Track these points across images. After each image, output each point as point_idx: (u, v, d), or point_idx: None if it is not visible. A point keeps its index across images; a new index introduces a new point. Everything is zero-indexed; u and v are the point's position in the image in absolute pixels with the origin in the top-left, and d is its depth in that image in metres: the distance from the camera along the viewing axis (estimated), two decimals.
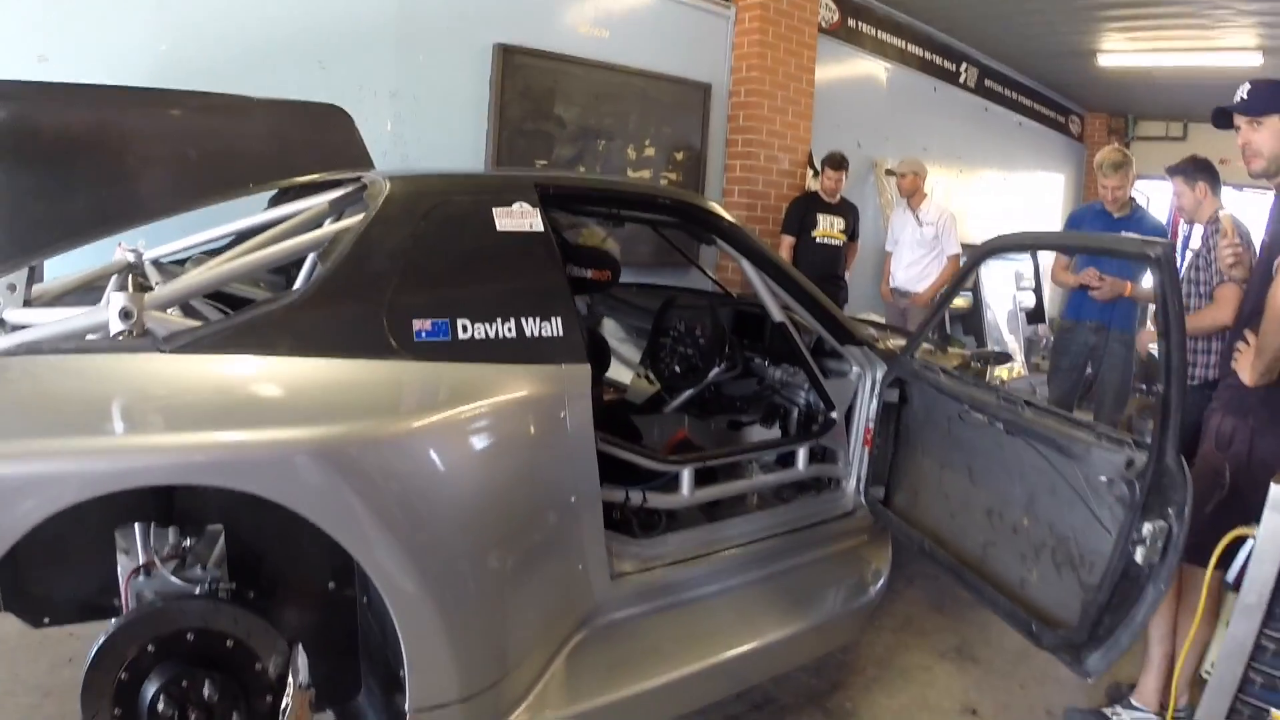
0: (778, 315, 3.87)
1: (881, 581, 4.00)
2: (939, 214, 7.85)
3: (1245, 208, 4.94)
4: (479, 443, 2.65)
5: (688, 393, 4.44)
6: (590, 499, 2.97)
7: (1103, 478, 2.79)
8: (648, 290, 5.55)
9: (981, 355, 4.70)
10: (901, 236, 8.08)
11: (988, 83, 11.59)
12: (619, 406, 4.71)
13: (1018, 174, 12.56)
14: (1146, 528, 2.61)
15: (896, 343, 4.35)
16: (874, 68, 9.74)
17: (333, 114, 3.98)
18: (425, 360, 2.61)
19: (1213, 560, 2.79)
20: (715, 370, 4.19)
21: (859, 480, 4.11)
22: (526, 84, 6.77)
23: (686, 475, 3.49)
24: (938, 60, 10.62)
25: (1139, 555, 2.63)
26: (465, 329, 2.69)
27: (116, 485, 2.06)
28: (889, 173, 8.69)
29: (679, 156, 7.85)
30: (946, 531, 3.57)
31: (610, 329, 5.64)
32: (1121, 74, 11.38)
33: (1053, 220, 13.52)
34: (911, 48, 10.17)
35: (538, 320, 2.82)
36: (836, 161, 7.65)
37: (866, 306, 8.61)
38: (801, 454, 3.95)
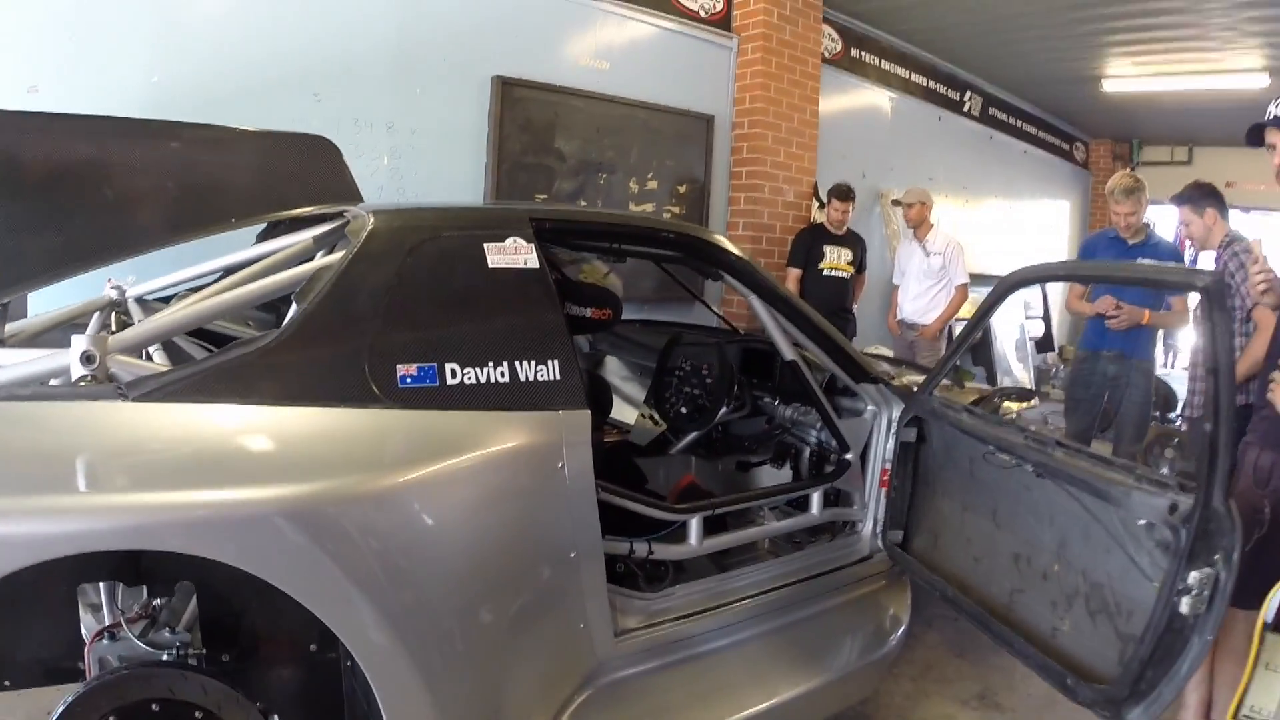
0: (788, 353, 3.64)
1: (901, 629, 3.77)
2: (946, 243, 7.64)
3: (1253, 229, 4.79)
4: (469, 497, 2.45)
5: (694, 434, 4.23)
6: (591, 553, 2.76)
7: (1142, 522, 2.58)
8: (652, 327, 5.35)
9: (1004, 392, 4.43)
10: (908, 268, 7.87)
11: (992, 111, 11.45)
12: (622, 449, 4.49)
13: (1024, 202, 12.38)
14: (1193, 576, 2.39)
15: (912, 379, 4.13)
16: (878, 98, 9.58)
17: (320, 146, 3.81)
18: (410, 408, 2.41)
19: (1263, 609, 2.59)
20: (723, 410, 3.97)
21: (876, 523, 3.90)
22: (527, 117, 6.63)
23: (694, 524, 3.27)
24: (941, 89, 10.48)
25: (1184, 605, 2.41)
26: (454, 374, 2.50)
27: (67, 549, 1.87)
28: (895, 203, 8.50)
29: (682, 189, 7.70)
30: (970, 577, 3.35)
31: (613, 367, 5.43)
32: (1126, 99, 11.23)
33: (1060, 248, 13.34)
34: (915, 77, 10.03)
35: (533, 363, 2.62)
36: (843, 193, 7.47)
37: (874, 339, 8.44)
38: (815, 498, 3.72)
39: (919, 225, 7.75)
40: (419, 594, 2.31)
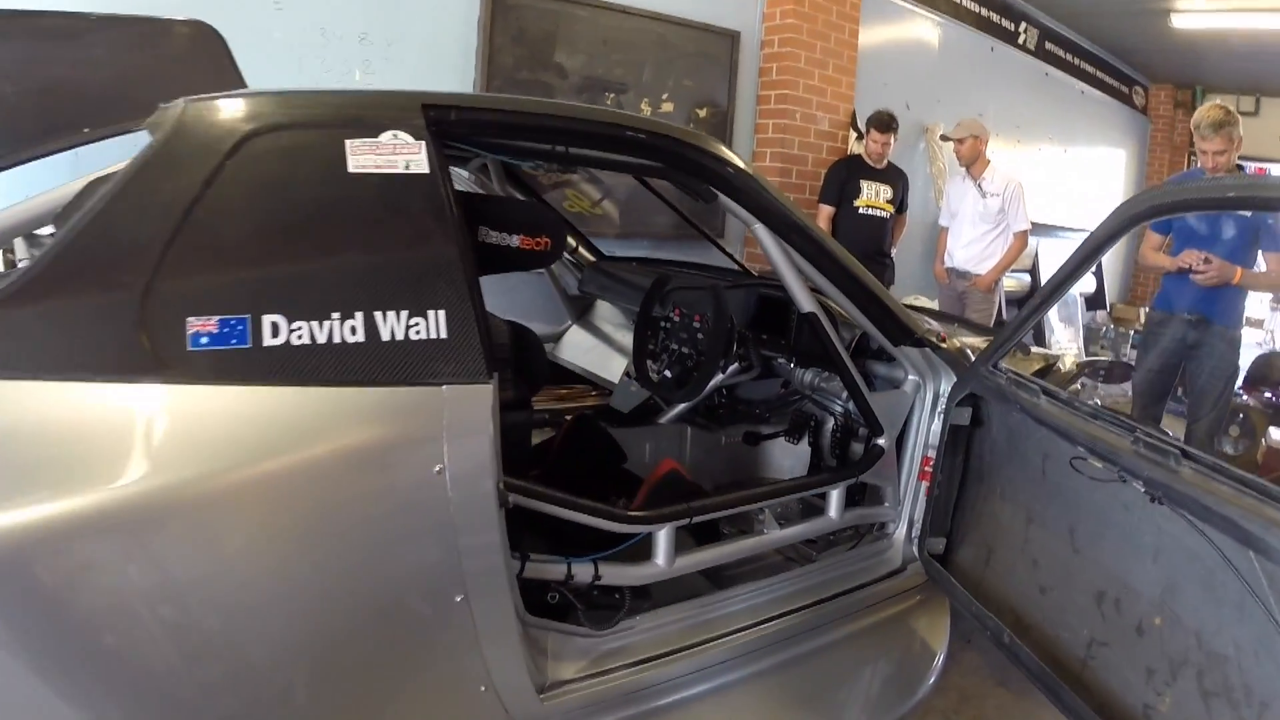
0: (806, 304, 2.72)
1: (937, 662, 2.94)
2: (1005, 183, 6.63)
3: None
4: (289, 523, 1.65)
5: (683, 404, 3.34)
6: (490, 587, 1.92)
7: None
8: (651, 266, 4.41)
9: (1091, 366, 3.33)
10: (960, 209, 6.87)
11: (1049, 45, 10.36)
12: (601, 415, 3.64)
13: (1079, 147, 11.26)
14: None
15: (967, 341, 3.21)
16: (925, 22, 8.55)
17: (198, 34, 2.97)
18: (205, 382, 1.60)
19: None
20: (718, 377, 3.07)
21: (911, 527, 3.10)
22: (521, 27, 5.75)
23: (663, 537, 2.41)
24: (995, 18, 9.42)
25: None
26: (277, 331, 1.66)
27: None
28: (944, 138, 7.44)
29: (702, 114, 6.72)
30: (1033, 613, 2.53)
31: (604, 314, 4.52)
32: (1194, 38, 10.15)
33: (1114, 203, 12.24)
34: (967, 3, 9.00)
35: (405, 315, 1.76)
36: (884, 122, 6.54)
37: (915, 289, 7.58)
38: (835, 496, 2.86)
39: (973, 162, 6.75)
40: (204, 672, 1.56)
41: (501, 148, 2.23)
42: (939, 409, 3.00)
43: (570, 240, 4.34)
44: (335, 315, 1.69)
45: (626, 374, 3.67)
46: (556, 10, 5.84)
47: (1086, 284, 10.53)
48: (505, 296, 5.65)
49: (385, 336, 1.73)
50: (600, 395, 3.94)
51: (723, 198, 2.47)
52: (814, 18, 6.87)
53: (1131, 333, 10.70)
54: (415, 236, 1.85)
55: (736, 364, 3.16)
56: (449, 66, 5.54)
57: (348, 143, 1.82)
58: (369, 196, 1.83)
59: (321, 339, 1.67)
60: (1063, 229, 9.80)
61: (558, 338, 4.56)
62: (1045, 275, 8.87)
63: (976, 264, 6.73)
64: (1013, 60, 9.80)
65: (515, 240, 2.23)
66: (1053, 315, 9.01)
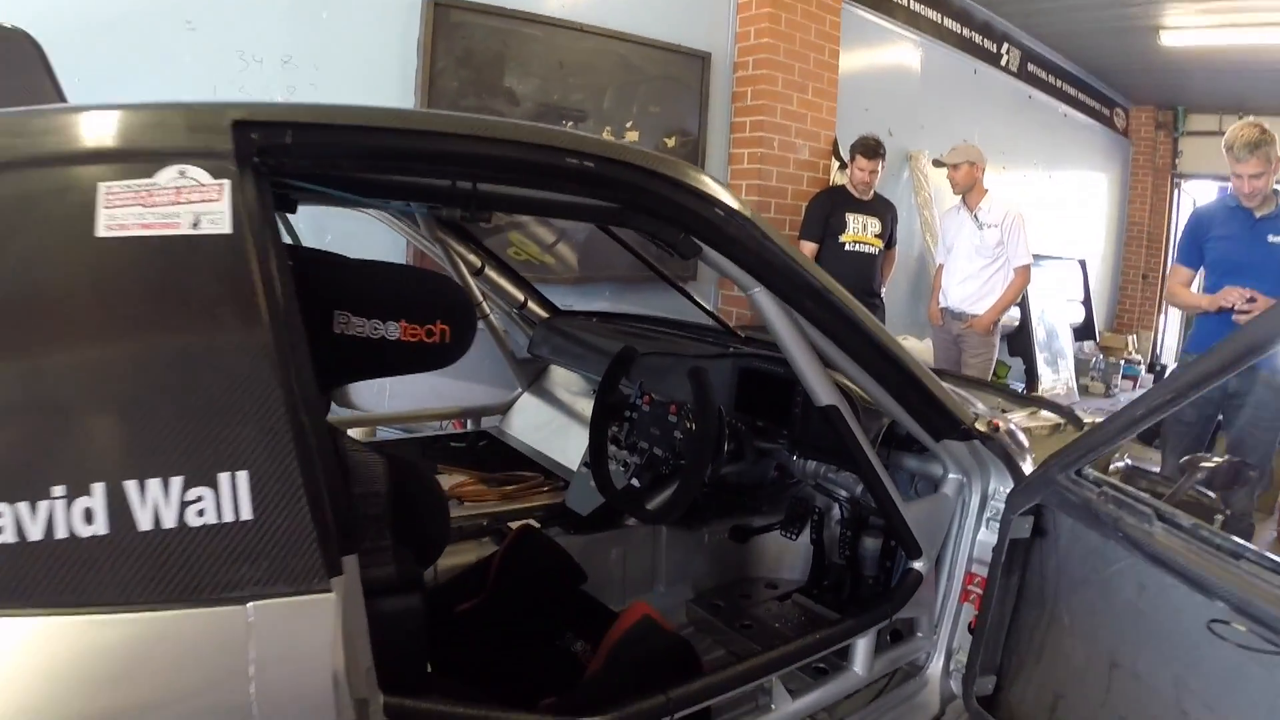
0: (824, 395, 1.99)
1: None
2: (1003, 213, 5.95)
3: None
4: None
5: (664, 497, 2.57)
6: None
7: None
8: (614, 323, 3.71)
9: (1191, 465, 2.48)
10: (956, 243, 6.18)
11: (1031, 67, 9.86)
12: (556, 517, 2.95)
13: (1063, 172, 10.70)
14: None
15: (1011, 415, 2.50)
16: (906, 43, 7.96)
17: (7, 40, 2.22)
18: None
19: None
20: (701, 485, 2.35)
21: (949, 658, 2.39)
22: (467, 48, 5.08)
23: None
24: (977, 38, 8.88)
25: None
26: None
27: None
28: (937, 163, 6.73)
29: (670, 143, 6.07)
30: None
31: (561, 380, 3.77)
32: (1178, 57, 9.71)
33: (1097, 229, 11.70)
34: (948, 22, 8.42)
35: (178, 487, 1.07)
36: (871, 149, 5.90)
37: (903, 328, 7.11)
38: (863, 646, 2.15)
39: (969, 190, 6.06)
40: None
41: (375, 188, 1.48)
42: (986, 513, 2.32)
43: (517, 294, 3.60)
44: (58, 491, 0.99)
45: (585, 464, 2.92)
46: (506, 29, 5.18)
47: (1076, 313, 9.94)
48: None
49: (144, 524, 1.02)
50: (554, 489, 3.18)
51: (709, 251, 1.74)
52: (791, 37, 6.29)
53: (1122, 362, 10.15)
54: (202, 347, 1.13)
55: (725, 463, 2.46)
56: (385, 92, 4.89)
57: (101, 187, 1.11)
58: (128, 280, 1.12)
59: (34, 532, 0.98)
60: (1049, 257, 9.22)
61: (506, 408, 3.82)
62: (1036, 309, 8.38)
63: (974, 303, 6.06)
64: (996, 83, 9.30)
65: (393, 330, 1.49)
66: (1040, 355, 8.38)
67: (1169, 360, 11.69)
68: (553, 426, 3.58)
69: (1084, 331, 10.20)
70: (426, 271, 1.58)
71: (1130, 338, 11.23)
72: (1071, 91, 10.79)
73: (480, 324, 3.74)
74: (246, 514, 1.07)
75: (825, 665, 2.21)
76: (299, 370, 1.15)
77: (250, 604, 1.05)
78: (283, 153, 1.26)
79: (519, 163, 1.47)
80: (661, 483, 2.48)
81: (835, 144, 6.64)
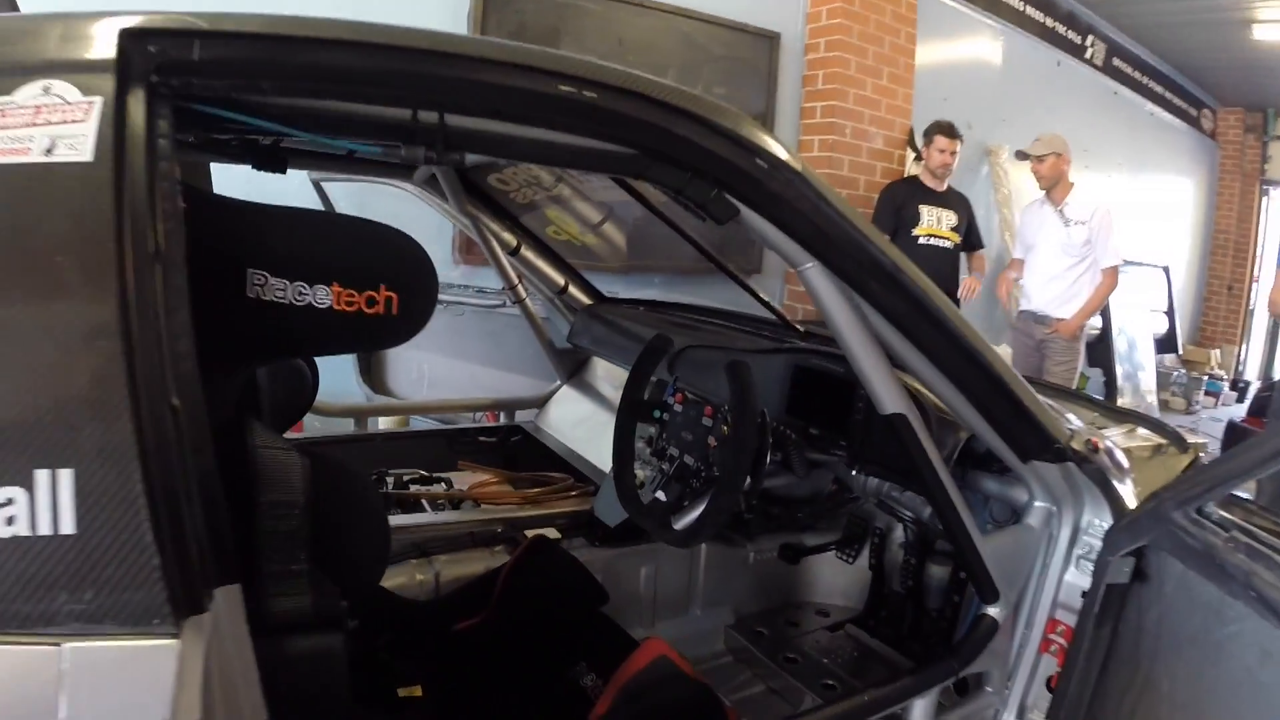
0: (890, 402, 1.63)
1: None
2: (1092, 210, 5.46)
3: None
4: None
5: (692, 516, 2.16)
6: None
7: None
8: (664, 312, 3.35)
9: None
10: (1038, 241, 5.70)
11: (1116, 62, 9.40)
12: (581, 527, 2.57)
13: (1147, 174, 10.19)
14: None
15: (1109, 433, 2.11)
16: (987, 30, 7.56)
17: None
18: None
19: None
20: (729, 501, 2.01)
21: (1023, 715, 2.00)
22: (521, 22, 4.85)
23: None
24: (1061, 29, 8.46)
25: None
26: None
27: None
28: (1020, 155, 6.24)
29: None
30: None
31: (603, 373, 3.43)
32: (1274, 52, 9.27)
33: (1182, 236, 11.13)
34: (1031, 10, 8.01)
35: None
36: (949, 127, 5.50)
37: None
38: (923, 707, 1.78)
39: (1055, 184, 5.58)
40: None
41: (315, 120, 1.14)
42: (1077, 549, 1.92)
43: (557, 277, 3.25)
44: None
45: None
46: (561, 2, 4.94)
47: (1159, 324, 9.42)
48: (484, 342, 4.72)
49: None
50: (584, 495, 2.82)
51: (748, 214, 1.39)
52: (865, 18, 5.96)
53: (1205, 378, 9.66)
54: (37, 302, 0.85)
55: (772, 471, 2.11)
56: None
57: None
58: None
59: None
60: (1132, 263, 8.71)
61: (542, 402, 3.48)
62: (1118, 318, 7.91)
63: (1059, 306, 5.58)
64: (1080, 76, 8.89)
65: (323, 295, 1.14)
66: (1119, 368, 7.90)
67: (1253, 378, 11.14)
68: (590, 424, 3.24)
69: (1166, 344, 9.68)
70: (372, 224, 1.21)
71: (1214, 352, 10.72)
72: (1158, 89, 10.31)
73: (517, 310, 3.42)
74: (68, 527, 0.78)
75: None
76: (173, 341, 0.86)
77: (66, 645, 0.78)
78: (190, 70, 0.96)
79: (496, 89, 1.13)
80: (691, 498, 2.12)
81: (911, 133, 6.27)
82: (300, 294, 1.10)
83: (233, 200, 1.14)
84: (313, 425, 3.32)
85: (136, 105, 0.90)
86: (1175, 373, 9.76)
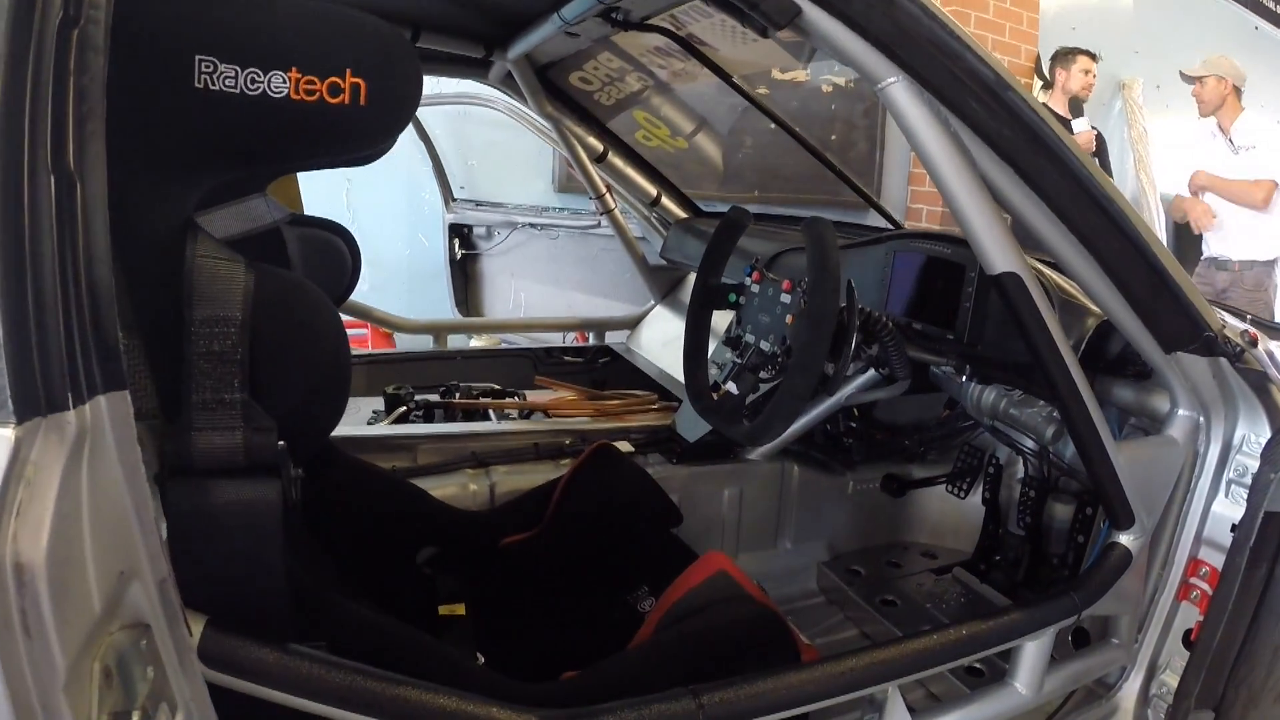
0: (1000, 259, 1.30)
1: None
2: (1264, 134, 4.91)
3: None
4: None
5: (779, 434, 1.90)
6: None
7: None
8: (765, 224, 2.94)
9: None
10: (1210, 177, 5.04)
11: None
12: (661, 444, 2.31)
13: None
14: None
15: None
16: None
17: None
18: None
19: None
20: (827, 399, 1.71)
21: (1151, 677, 1.68)
22: None
23: None
24: None
25: None
26: None
27: None
28: (1185, 77, 5.56)
29: None
30: None
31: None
32: None
33: None
34: None
35: None
36: (1088, 52, 5.10)
37: None
38: (1033, 651, 1.46)
39: (1219, 108, 5.02)
40: None
41: None
42: (1228, 473, 1.57)
43: (649, 187, 2.97)
44: None
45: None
46: None
47: None
48: (580, 267, 4.48)
49: None
50: (667, 411, 2.56)
51: (812, 12, 1.10)
52: None
53: None
54: None
55: (864, 368, 1.79)
56: None
57: None
58: None
59: None
60: None
61: (635, 323, 3.22)
62: None
63: (1242, 248, 4.83)
64: (1217, 9, 8.03)
65: (279, 83, 0.90)
66: None
67: None
68: (679, 344, 2.98)
69: None
70: (337, 6, 0.95)
71: None
72: None
73: (612, 232, 3.16)
74: None
75: (979, 667, 1.55)
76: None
77: None
78: None
79: None
80: (765, 387, 1.81)
81: (1038, 60, 5.78)
82: (253, 81, 0.88)
83: None
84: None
85: None
86: None
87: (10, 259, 0.59)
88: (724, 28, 2.19)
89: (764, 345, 1.78)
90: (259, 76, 0.87)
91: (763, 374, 1.77)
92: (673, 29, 2.18)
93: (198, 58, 0.85)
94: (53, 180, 0.64)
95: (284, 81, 0.88)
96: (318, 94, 0.89)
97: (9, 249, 0.59)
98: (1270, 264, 4.79)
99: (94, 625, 0.63)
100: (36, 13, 0.64)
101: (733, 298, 1.90)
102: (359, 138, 0.97)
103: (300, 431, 0.97)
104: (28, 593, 0.56)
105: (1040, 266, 1.59)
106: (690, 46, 2.29)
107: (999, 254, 1.28)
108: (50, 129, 0.64)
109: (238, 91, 0.87)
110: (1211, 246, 4.93)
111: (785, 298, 1.73)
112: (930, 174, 1.24)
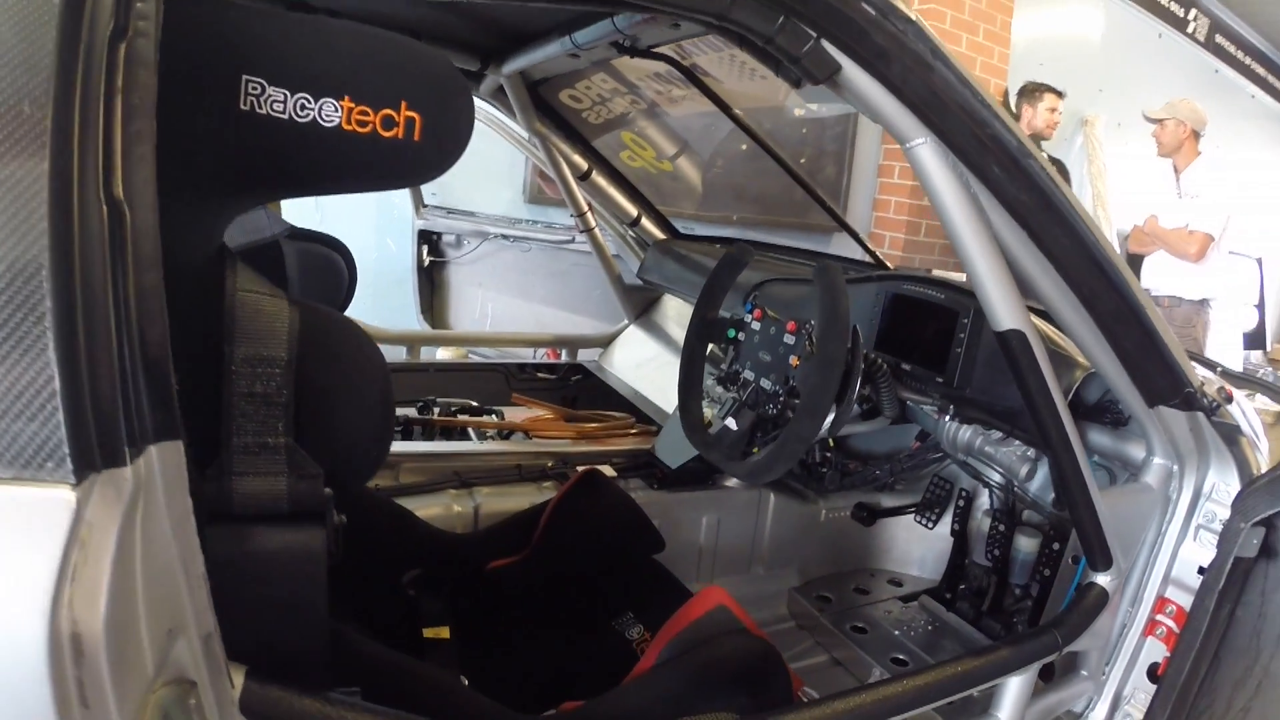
0: (1008, 316, 1.32)
1: None
2: (1213, 185, 4.95)
3: None
4: None
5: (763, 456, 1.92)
6: None
7: None
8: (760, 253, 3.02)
9: None
10: (1154, 208, 5.14)
11: (1219, 39, 8.76)
12: (640, 469, 2.32)
13: (1246, 160, 9.44)
14: None
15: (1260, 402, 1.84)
16: None
17: None
18: None
19: None
20: (824, 427, 1.71)
21: (1115, 708, 1.72)
22: None
23: None
24: (1164, 1, 7.86)
25: None
26: None
27: None
28: (1147, 118, 5.62)
29: None
30: None
31: (673, 313, 3.18)
32: None
33: (1277, 227, 10.51)
34: None
35: None
36: (1056, 90, 5.15)
37: None
38: (1016, 686, 1.51)
39: (1175, 151, 5.04)
40: None
41: None
42: (1196, 518, 1.63)
43: (629, 207, 2.98)
44: None
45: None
46: None
47: (1249, 319, 8.78)
48: (551, 281, 4.44)
49: None
50: (645, 435, 2.56)
51: (850, 71, 1.12)
52: None
53: None
54: None
55: (855, 408, 1.80)
56: None
57: None
58: None
59: None
60: (1235, 254, 8.18)
61: (608, 341, 3.22)
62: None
63: (1171, 285, 5.02)
64: (1181, 51, 8.26)
65: (330, 111, 0.86)
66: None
67: None
68: (657, 364, 2.98)
69: (1254, 340, 9.02)
70: (391, 33, 0.92)
71: None
72: (1260, 71, 9.63)
73: (587, 248, 3.15)
74: None
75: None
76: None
77: None
78: None
79: None
80: (766, 426, 1.83)
81: (1006, 94, 5.83)
82: (303, 107, 0.84)
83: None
84: None
85: None
86: (1261, 370, 9.17)
87: (63, 302, 0.57)
88: (731, 62, 2.21)
89: (764, 383, 1.80)
90: (309, 103, 0.83)
91: (769, 408, 1.79)
92: (678, 59, 2.19)
93: (245, 78, 0.82)
94: (105, 211, 0.61)
95: (335, 110, 0.84)
96: (371, 126, 0.86)
97: (61, 292, 0.57)
98: (1200, 303, 4.98)
99: (147, 687, 0.61)
100: (85, 22, 0.62)
101: (732, 333, 1.91)
102: (408, 173, 0.94)
103: (344, 477, 0.94)
104: (86, 664, 0.54)
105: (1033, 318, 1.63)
106: (693, 76, 2.30)
107: (1007, 312, 1.31)
108: (101, 153, 0.62)
109: (286, 117, 0.83)
110: (1144, 280, 5.01)
111: (789, 339, 1.74)
112: (947, 230, 1.27)
